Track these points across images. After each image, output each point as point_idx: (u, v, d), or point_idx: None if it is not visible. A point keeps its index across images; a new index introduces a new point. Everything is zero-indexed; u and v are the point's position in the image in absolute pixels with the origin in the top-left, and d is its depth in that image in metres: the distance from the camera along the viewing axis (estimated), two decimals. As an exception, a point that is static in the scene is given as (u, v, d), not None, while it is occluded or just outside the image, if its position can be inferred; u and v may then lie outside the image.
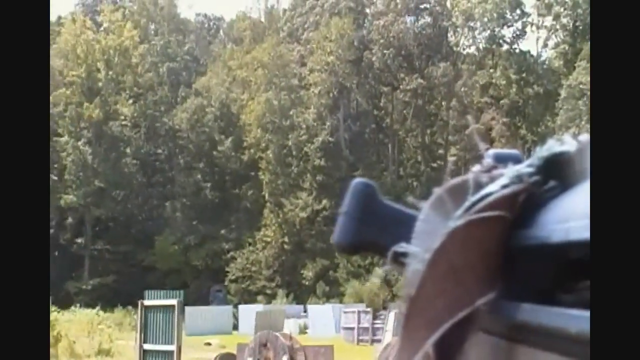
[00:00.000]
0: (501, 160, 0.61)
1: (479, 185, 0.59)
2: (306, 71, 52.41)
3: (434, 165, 51.90)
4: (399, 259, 0.61)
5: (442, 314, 0.57)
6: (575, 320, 0.47)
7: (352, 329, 27.22)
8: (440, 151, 53.32)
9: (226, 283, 48.00)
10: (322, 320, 29.78)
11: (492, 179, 0.59)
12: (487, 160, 0.62)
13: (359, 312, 27.48)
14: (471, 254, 0.57)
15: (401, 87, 51.71)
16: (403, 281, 0.60)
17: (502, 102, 49.04)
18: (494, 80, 49.89)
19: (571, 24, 49.98)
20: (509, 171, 0.59)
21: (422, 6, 53.45)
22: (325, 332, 27.97)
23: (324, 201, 46.22)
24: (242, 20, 62.20)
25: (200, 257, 49.18)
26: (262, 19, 64.65)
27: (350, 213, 0.66)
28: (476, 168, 0.61)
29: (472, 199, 0.58)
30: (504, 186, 0.57)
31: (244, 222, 50.13)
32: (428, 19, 53.65)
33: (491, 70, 50.41)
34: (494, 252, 0.57)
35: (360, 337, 26.49)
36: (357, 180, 0.68)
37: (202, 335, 26.86)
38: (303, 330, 29.15)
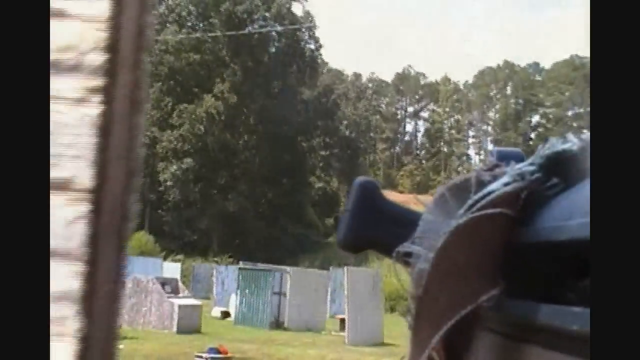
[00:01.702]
0: (504, 158, 0.61)
1: (482, 183, 0.59)
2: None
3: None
4: (404, 259, 0.62)
5: (446, 312, 0.57)
6: (578, 317, 0.47)
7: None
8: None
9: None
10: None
11: (495, 177, 0.59)
12: (490, 159, 0.62)
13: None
14: (474, 251, 0.57)
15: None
16: (409, 281, 0.61)
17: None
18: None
19: None
20: (512, 169, 0.59)
21: None
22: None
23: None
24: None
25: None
26: None
27: (353, 211, 0.66)
28: (479, 166, 0.62)
29: (475, 196, 0.58)
30: (506, 184, 0.58)
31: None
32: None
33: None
34: (496, 249, 0.58)
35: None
36: (361, 178, 0.68)
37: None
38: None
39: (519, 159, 0.61)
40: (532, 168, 0.58)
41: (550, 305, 0.51)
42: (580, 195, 0.52)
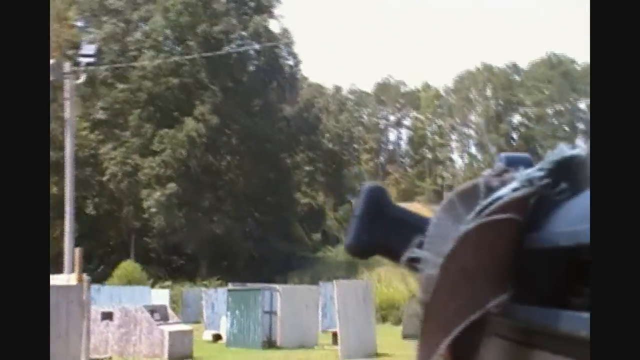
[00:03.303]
0: (512, 163, 0.61)
1: (490, 189, 0.59)
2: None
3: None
4: (413, 264, 0.62)
5: (455, 318, 0.57)
6: (586, 323, 0.47)
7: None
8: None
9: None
10: None
11: (503, 183, 0.60)
12: (499, 164, 0.62)
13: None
14: (483, 256, 0.57)
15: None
16: (418, 286, 0.61)
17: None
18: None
19: None
20: (520, 174, 0.59)
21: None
22: None
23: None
24: None
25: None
26: None
27: (362, 217, 0.66)
28: (487, 172, 0.62)
29: (483, 202, 0.59)
30: (515, 189, 0.58)
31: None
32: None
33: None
34: (505, 254, 0.58)
35: None
36: (369, 184, 0.67)
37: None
38: None
39: (528, 164, 0.61)
40: (540, 174, 0.58)
41: (558, 311, 0.51)
42: (588, 201, 0.52)
